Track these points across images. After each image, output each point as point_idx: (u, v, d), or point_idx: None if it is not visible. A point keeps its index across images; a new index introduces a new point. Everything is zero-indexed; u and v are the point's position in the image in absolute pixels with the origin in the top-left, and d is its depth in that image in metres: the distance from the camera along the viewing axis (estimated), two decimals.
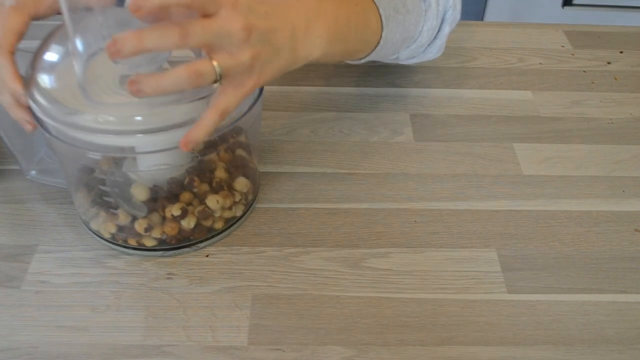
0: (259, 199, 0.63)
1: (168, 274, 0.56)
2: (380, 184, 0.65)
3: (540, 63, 0.83)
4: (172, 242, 0.56)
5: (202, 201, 0.56)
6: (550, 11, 1.65)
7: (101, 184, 0.54)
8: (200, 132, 0.46)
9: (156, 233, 0.55)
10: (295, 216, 0.61)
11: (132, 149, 0.51)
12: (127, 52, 0.41)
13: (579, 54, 0.85)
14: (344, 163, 0.67)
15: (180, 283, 0.55)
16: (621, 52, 0.86)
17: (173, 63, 0.49)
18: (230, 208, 0.58)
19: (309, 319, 0.53)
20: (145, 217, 0.55)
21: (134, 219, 0.55)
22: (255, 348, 0.51)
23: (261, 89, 0.54)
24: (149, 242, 0.56)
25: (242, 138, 0.59)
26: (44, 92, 0.49)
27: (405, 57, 0.69)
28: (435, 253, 0.59)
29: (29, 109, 0.50)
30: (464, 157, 0.69)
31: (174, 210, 0.54)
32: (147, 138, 0.48)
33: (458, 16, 0.70)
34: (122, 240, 0.56)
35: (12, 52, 0.49)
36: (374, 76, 0.79)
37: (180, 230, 0.56)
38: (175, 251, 0.57)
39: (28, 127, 0.50)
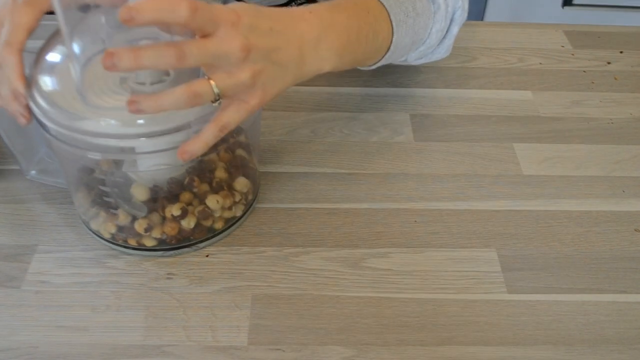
0: (259, 199, 0.63)
1: (168, 274, 0.56)
2: (380, 184, 0.65)
3: (540, 63, 0.83)
4: (172, 242, 0.56)
5: (202, 201, 0.56)
6: (550, 11, 1.65)
7: (101, 184, 0.54)
8: (199, 145, 0.46)
9: (156, 233, 0.55)
10: (295, 216, 0.61)
11: (132, 149, 0.51)
12: (123, 68, 0.41)
13: (579, 54, 0.85)
14: (344, 163, 0.67)
15: (180, 283, 0.55)
16: (621, 52, 0.86)
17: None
18: (230, 208, 0.58)
19: (309, 319, 0.53)
20: (145, 217, 0.55)
21: (134, 219, 0.55)
22: (255, 348, 0.51)
23: None
24: (149, 242, 0.56)
25: (242, 138, 0.59)
26: (45, 94, 0.49)
27: (413, 58, 0.69)
28: (435, 253, 0.59)
29: (26, 105, 0.50)
30: (464, 157, 0.69)
31: (174, 210, 0.54)
32: (148, 140, 0.48)
33: (465, 15, 0.69)
34: (122, 240, 0.56)
35: (22, 50, 0.49)
36: (374, 76, 0.79)
37: (180, 230, 0.56)
38: (175, 251, 0.57)
39: (22, 121, 0.50)
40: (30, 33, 0.49)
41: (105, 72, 0.50)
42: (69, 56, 0.49)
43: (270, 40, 0.45)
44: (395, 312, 0.54)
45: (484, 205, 0.63)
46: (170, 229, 0.55)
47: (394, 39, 0.60)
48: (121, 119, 0.48)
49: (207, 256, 0.57)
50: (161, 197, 0.55)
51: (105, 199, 0.55)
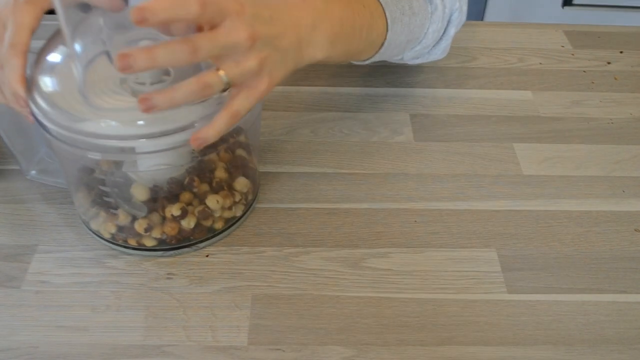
0: (259, 199, 0.63)
1: (168, 274, 0.56)
2: (380, 184, 0.65)
3: (540, 63, 0.83)
4: (172, 242, 0.56)
5: (202, 201, 0.56)
6: (550, 11, 1.65)
7: (101, 184, 0.54)
8: (211, 132, 0.47)
9: (156, 233, 0.55)
10: (295, 216, 0.61)
11: (132, 149, 0.51)
12: (139, 68, 0.41)
13: (579, 54, 0.85)
14: (344, 163, 0.67)
15: (180, 283, 0.55)
16: (621, 52, 0.86)
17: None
18: (230, 208, 0.58)
19: (309, 319, 0.53)
20: (145, 217, 0.55)
21: (134, 219, 0.55)
22: (255, 348, 0.51)
23: None
24: (149, 242, 0.56)
25: (242, 138, 0.59)
26: (45, 95, 0.49)
27: (409, 57, 0.70)
28: (435, 253, 0.59)
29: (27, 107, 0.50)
30: (464, 157, 0.69)
31: (174, 210, 0.54)
32: (149, 140, 0.48)
33: (464, 18, 0.70)
34: (122, 240, 0.56)
35: (26, 52, 0.48)
36: (374, 76, 0.79)
37: (180, 230, 0.56)
38: (175, 251, 0.57)
39: (29, 119, 0.50)
40: (33, 32, 0.49)
41: (105, 73, 0.50)
42: (71, 57, 0.49)
43: (272, 28, 0.46)
44: (395, 312, 0.54)
45: (484, 205, 0.63)
46: (170, 229, 0.55)
47: (388, 35, 0.60)
48: (122, 119, 0.48)
49: (207, 256, 0.57)
50: (161, 197, 0.55)
51: (105, 199, 0.55)
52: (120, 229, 0.56)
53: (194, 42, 0.42)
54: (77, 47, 0.48)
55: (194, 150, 0.51)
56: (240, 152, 0.60)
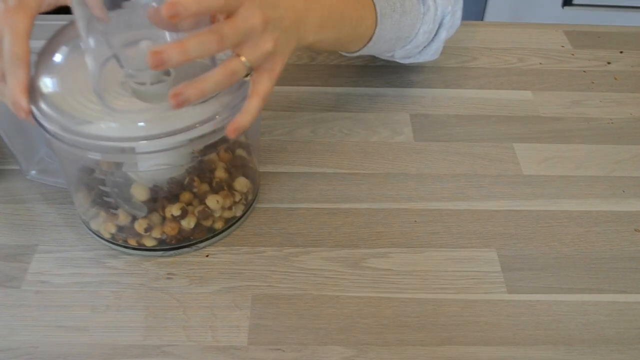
0: (259, 199, 0.63)
1: (168, 274, 0.56)
2: (380, 184, 0.65)
3: (540, 63, 0.83)
4: (172, 242, 0.56)
5: (202, 201, 0.56)
6: (550, 11, 1.65)
7: (101, 184, 0.54)
8: (247, 118, 0.49)
9: (156, 233, 0.55)
10: (295, 216, 0.61)
11: (132, 150, 0.51)
12: (172, 63, 0.43)
13: (579, 54, 0.85)
14: (344, 163, 0.67)
15: (180, 283, 0.55)
16: (621, 52, 0.86)
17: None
18: (230, 208, 0.58)
19: (309, 319, 0.53)
20: (145, 217, 0.55)
21: (134, 219, 0.55)
22: (255, 348, 0.51)
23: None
24: (149, 242, 0.56)
25: (242, 138, 0.59)
26: (45, 96, 0.49)
27: (400, 56, 0.71)
28: (435, 253, 0.59)
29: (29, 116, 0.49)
30: (464, 157, 0.69)
31: (174, 210, 0.54)
32: (150, 141, 0.48)
33: (457, 23, 0.72)
34: (122, 240, 0.56)
35: (29, 62, 0.48)
36: (374, 76, 0.79)
37: (180, 230, 0.56)
38: (175, 251, 0.57)
39: (32, 121, 0.50)
40: (30, 36, 0.49)
41: (106, 75, 0.50)
42: (87, 51, 0.49)
43: (277, 11, 0.48)
44: (395, 312, 0.54)
45: (484, 205, 0.63)
46: (170, 229, 0.55)
47: (377, 29, 0.63)
48: (122, 120, 0.48)
49: (207, 256, 0.57)
50: (161, 197, 0.55)
51: (105, 199, 0.55)
52: (120, 229, 0.56)
53: (219, 31, 0.44)
54: (92, 43, 0.48)
55: (194, 150, 0.51)
56: (240, 152, 0.60)
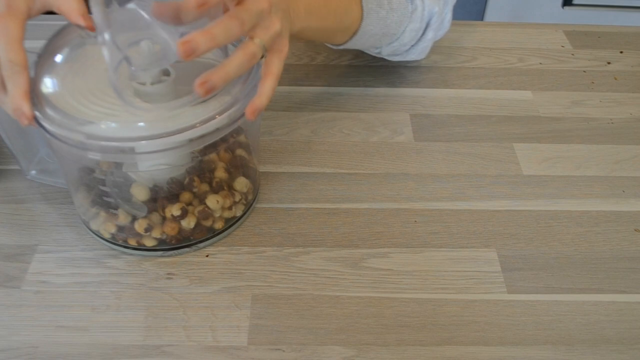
0: (259, 199, 0.63)
1: (168, 274, 0.56)
2: (380, 184, 0.65)
3: (540, 63, 0.83)
4: (172, 242, 0.56)
5: (202, 201, 0.56)
6: (550, 11, 1.65)
7: (101, 184, 0.54)
8: (264, 99, 0.50)
9: (156, 233, 0.55)
10: (295, 216, 0.61)
11: (131, 149, 0.51)
12: (201, 51, 0.44)
13: (579, 54, 0.85)
14: (344, 163, 0.67)
15: (180, 283, 0.55)
16: (621, 52, 0.86)
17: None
18: (230, 208, 0.58)
19: (309, 319, 0.53)
20: (145, 217, 0.55)
21: (134, 219, 0.55)
22: (255, 348, 0.51)
23: (253, 86, 0.54)
24: (149, 242, 0.56)
25: (242, 138, 0.59)
26: (45, 97, 0.49)
27: (387, 53, 0.73)
28: (435, 253, 0.59)
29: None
30: (464, 157, 0.69)
31: (174, 210, 0.54)
32: (149, 142, 0.48)
33: (447, 25, 0.73)
34: (122, 240, 0.56)
35: (27, 67, 0.48)
36: (374, 76, 0.79)
37: (180, 230, 0.56)
38: (175, 251, 0.57)
39: (35, 125, 0.50)
40: (24, 40, 0.49)
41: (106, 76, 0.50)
42: (105, 52, 0.49)
43: None
44: (395, 312, 0.54)
45: (484, 205, 0.63)
46: (170, 229, 0.55)
47: (362, 24, 0.65)
48: (122, 121, 0.48)
49: (207, 256, 0.57)
50: (161, 197, 0.55)
51: (105, 199, 0.55)
52: (120, 229, 0.56)
53: (238, 16, 0.46)
54: (108, 37, 0.48)
55: (193, 150, 0.51)
56: (240, 152, 0.60)
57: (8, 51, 0.47)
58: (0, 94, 0.49)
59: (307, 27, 0.58)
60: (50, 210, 0.61)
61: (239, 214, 0.59)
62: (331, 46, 0.71)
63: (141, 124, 0.48)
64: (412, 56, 0.75)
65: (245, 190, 0.59)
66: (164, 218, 0.55)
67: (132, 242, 0.56)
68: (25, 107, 0.48)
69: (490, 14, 1.66)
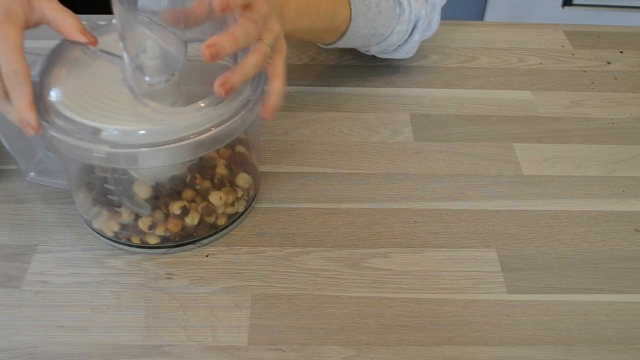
0: (259, 199, 0.63)
1: (168, 274, 0.56)
2: (380, 184, 0.65)
3: (540, 63, 0.83)
4: (176, 239, 0.56)
5: (204, 198, 0.56)
6: (550, 11, 1.65)
7: (104, 182, 0.54)
8: (276, 99, 0.54)
9: (160, 230, 0.55)
10: (295, 216, 0.61)
11: (134, 157, 0.51)
12: (226, 53, 0.47)
13: (579, 54, 0.85)
14: (344, 163, 0.67)
15: (180, 283, 0.55)
16: (621, 52, 0.86)
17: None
18: (232, 204, 0.58)
19: (309, 319, 0.53)
20: (149, 215, 0.55)
21: (137, 217, 0.55)
22: (255, 348, 0.51)
23: (262, 88, 0.55)
24: (153, 240, 0.56)
25: (241, 135, 0.59)
26: (49, 103, 0.50)
27: (375, 51, 0.76)
28: (435, 253, 0.59)
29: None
30: (464, 157, 0.69)
31: (174, 208, 0.54)
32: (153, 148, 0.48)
33: (435, 26, 0.76)
34: (125, 239, 0.56)
35: (30, 76, 0.48)
36: (374, 76, 0.79)
37: (184, 227, 0.56)
38: (179, 248, 0.57)
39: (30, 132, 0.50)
40: (23, 51, 0.49)
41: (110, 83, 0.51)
42: (127, 66, 0.50)
43: (270, 1, 0.53)
44: (395, 312, 0.54)
45: (484, 205, 0.63)
46: (173, 226, 0.55)
47: (350, 26, 0.67)
48: (125, 127, 0.48)
49: (207, 256, 0.57)
50: (163, 194, 0.55)
51: (109, 197, 0.55)
52: (124, 227, 0.56)
53: (253, 20, 0.49)
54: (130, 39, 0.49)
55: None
56: (239, 148, 0.60)
57: (11, 62, 0.47)
58: (4, 103, 0.49)
59: (297, 29, 0.61)
60: (50, 210, 0.61)
61: (241, 209, 0.59)
62: (321, 45, 0.73)
63: (142, 132, 0.48)
64: (400, 55, 0.77)
65: (247, 186, 0.59)
66: (167, 215, 0.55)
67: (136, 240, 0.56)
68: (31, 118, 0.48)
69: (490, 14, 1.66)
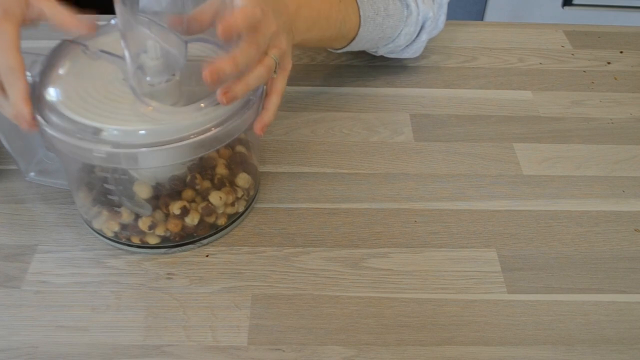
0: (259, 199, 0.63)
1: (168, 274, 0.56)
2: (380, 184, 0.65)
3: (540, 63, 0.83)
4: (176, 239, 0.56)
5: (204, 198, 0.56)
6: (550, 11, 1.65)
7: (104, 182, 0.54)
8: (270, 114, 0.55)
9: (160, 230, 0.55)
10: (295, 216, 0.61)
11: (134, 156, 0.51)
12: (227, 77, 0.48)
13: (579, 54, 0.85)
14: (344, 163, 0.67)
15: (180, 283, 0.55)
16: (621, 52, 0.86)
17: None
18: (232, 204, 0.58)
19: (309, 319, 0.53)
20: (149, 215, 0.55)
21: (137, 217, 0.55)
22: (255, 348, 0.51)
23: (263, 88, 0.55)
24: (153, 240, 0.56)
25: (241, 135, 0.59)
26: (48, 103, 0.50)
27: (383, 52, 0.77)
28: (435, 253, 0.59)
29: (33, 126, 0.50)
30: (464, 157, 0.69)
31: (175, 208, 0.54)
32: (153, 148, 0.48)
33: (440, 26, 0.76)
34: (125, 239, 0.56)
35: (25, 72, 0.48)
36: (374, 76, 0.79)
37: (184, 227, 0.56)
38: (179, 248, 0.57)
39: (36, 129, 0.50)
40: (20, 47, 0.49)
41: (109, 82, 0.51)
42: (126, 52, 0.49)
43: (282, 17, 0.54)
44: (395, 312, 0.54)
45: (484, 205, 0.63)
46: (173, 226, 0.55)
47: (359, 31, 0.68)
48: (126, 126, 0.48)
49: (207, 256, 0.57)
50: (163, 194, 0.55)
51: (109, 197, 0.55)
52: (124, 227, 0.56)
53: (255, 42, 0.50)
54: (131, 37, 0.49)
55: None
56: (239, 148, 0.60)
57: (7, 58, 0.48)
58: (1, 99, 0.49)
59: (306, 39, 0.62)
60: (50, 210, 0.61)
61: (241, 209, 0.59)
62: (331, 50, 0.74)
63: (142, 132, 0.48)
64: (407, 55, 0.77)
65: (247, 186, 0.59)
66: (167, 215, 0.55)
67: (136, 240, 0.56)
68: (26, 112, 0.48)
69: (490, 14, 1.66)
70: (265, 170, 0.66)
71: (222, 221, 0.58)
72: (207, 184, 0.56)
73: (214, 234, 0.58)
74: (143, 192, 0.54)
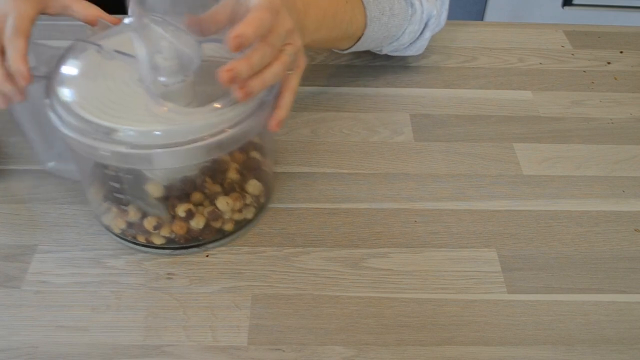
0: None
1: (168, 274, 0.56)
2: (380, 184, 0.65)
3: (540, 63, 0.83)
4: (181, 241, 0.56)
5: (212, 202, 0.56)
6: (550, 11, 1.65)
7: (116, 180, 0.54)
8: (284, 111, 0.54)
9: (165, 231, 0.55)
10: (295, 216, 0.61)
11: (148, 157, 0.51)
12: (243, 78, 0.48)
13: (579, 54, 0.85)
14: (344, 163, 0.67)
15: (180, 283, 0.55)
16: (621, 52, 0.86)
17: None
18: (240, 210, 0.58)
19: (309, 319, 0.53)
20: (154, 215, 0.55)
21: (144, 216, 0.55)
22: (255, 348, 0.51)
23: (277, 88, 0.55)
24: (158, 240, 0.56)
25: (256, 139, 0.59)
26: (62, 103, 0.50)
27: (387, 50, 0.77)
28: (435, 253, 0.59)
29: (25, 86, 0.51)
30: (464, 157, 0.69)
31: (180, 210, 0.54)
32: (167, 149, 0.48)
33: (442, 23, 0.77)
34: (131, 237, 0.56)
35: (28, 36, 0.50)
36: (374, 76, 0.79)
37: (189, 230, 0.56)
38: (184, 250, 0.57)
39: (18, 98, 0.51)
40: (34, 23, 0.51)
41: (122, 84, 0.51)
42: (139, 51, 0.50)
43: (294, 15, 0.54)
44: (395, 312, 0.54)
45: (484, 205, 0.63)
46: (179, 228, 0.55)
47: (365, 31, 0.68)
48: (139, 128, 0.48)
49: (207, 256, 0.57)
50: (172, 195, 0.55)
51: (117, 195, 0.55)
52: (130, 225, 0.56)
53: (271, 43, 0.50)
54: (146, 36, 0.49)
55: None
56: (254, 154, 0.59)
57: (15, 22, 0.50)
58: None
59: (315, 40, 0.62)
60: (50, 210, 0.61)
61: (249, 216, 0.59)
62: (337, 51, 0.74)
63: (157, 132, 0.48)
64: (411, 52, 0.78)
65: (257, 193, 0.59)
66: (173, 217, 0.55)
67: (141, 239, 0.56)
68: (23, 68, 0.49)
69: (490, 14, 1.66)
70: None
71: (229, 227, 0.58)
72: (216, 188, 0.56)
73: (220, 239, 0.58)
74: (155, 191, 0.54)
